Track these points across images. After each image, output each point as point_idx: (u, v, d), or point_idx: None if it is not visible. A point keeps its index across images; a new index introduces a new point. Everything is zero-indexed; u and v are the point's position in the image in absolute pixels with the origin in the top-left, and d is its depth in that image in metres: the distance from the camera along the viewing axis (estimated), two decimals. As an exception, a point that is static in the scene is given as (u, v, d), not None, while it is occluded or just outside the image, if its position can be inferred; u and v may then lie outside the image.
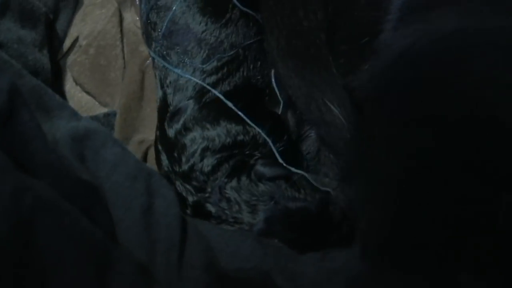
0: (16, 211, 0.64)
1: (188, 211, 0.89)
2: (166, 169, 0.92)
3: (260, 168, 0.88)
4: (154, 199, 0.78)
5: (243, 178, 0.87)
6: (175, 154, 0.91)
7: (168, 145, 0.92)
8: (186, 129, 0.91)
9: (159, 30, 0.96)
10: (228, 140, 0.90)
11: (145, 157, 1.00)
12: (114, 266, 0.67)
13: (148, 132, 1.00)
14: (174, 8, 0.95)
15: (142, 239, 0.74)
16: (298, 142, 0.96)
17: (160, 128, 0.95)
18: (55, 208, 0.68)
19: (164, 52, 0.96)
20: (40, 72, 1.01)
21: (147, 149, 1.00)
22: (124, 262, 0.68)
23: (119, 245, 0.72)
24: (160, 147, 0.94)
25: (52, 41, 1.10)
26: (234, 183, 0.87)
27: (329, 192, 0.87)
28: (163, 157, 0.93)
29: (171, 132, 0.92)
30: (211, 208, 0.87)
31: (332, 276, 0.73)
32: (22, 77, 0.86)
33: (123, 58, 1.08)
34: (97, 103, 1.07)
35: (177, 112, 0.93)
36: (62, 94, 1.07)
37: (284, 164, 0.88)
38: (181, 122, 0.91)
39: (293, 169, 0.88)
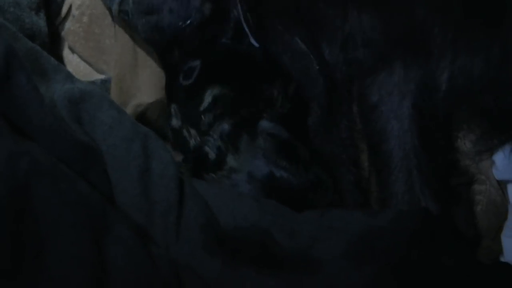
0: (12, 176, 0.64)
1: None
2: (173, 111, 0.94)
3: (264, 122, 0.87)
4: (151, 161, 0.77)
5: (244, 133, 0.86)
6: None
7: (180, 96, 0.93)
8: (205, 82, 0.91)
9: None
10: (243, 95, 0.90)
11: (142, 120, 0.99)
12: (112, 229, 0.67)
13: (145, 97, 0.99)
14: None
15: (140, 201, 0.74)
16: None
17: (169, 80, 0.95)
18: (52, 172, 0.68)
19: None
20: (37, 35, 0.99)
21: (144, 111, 0.99)
22: (121, 225, 0.68)
23: (117, 208, 0.72)
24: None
25: (50, 4, 1.08)
26: (234, 131, 0.86)
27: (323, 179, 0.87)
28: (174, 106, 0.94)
29: (185, 83, 0.92)
30: (208, 150, 0.87)
31: (332, 234, 0.73)
32: (17, 40, 0.85)
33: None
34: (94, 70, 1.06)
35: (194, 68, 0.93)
36: (61, 59, 1.05)
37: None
38: (194, 75, 0.92)
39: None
